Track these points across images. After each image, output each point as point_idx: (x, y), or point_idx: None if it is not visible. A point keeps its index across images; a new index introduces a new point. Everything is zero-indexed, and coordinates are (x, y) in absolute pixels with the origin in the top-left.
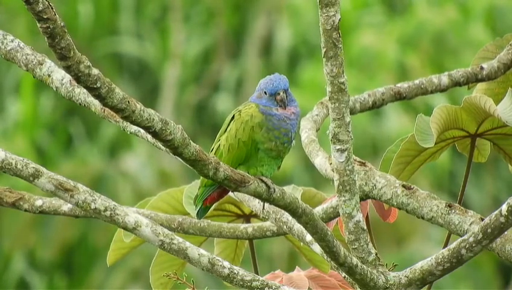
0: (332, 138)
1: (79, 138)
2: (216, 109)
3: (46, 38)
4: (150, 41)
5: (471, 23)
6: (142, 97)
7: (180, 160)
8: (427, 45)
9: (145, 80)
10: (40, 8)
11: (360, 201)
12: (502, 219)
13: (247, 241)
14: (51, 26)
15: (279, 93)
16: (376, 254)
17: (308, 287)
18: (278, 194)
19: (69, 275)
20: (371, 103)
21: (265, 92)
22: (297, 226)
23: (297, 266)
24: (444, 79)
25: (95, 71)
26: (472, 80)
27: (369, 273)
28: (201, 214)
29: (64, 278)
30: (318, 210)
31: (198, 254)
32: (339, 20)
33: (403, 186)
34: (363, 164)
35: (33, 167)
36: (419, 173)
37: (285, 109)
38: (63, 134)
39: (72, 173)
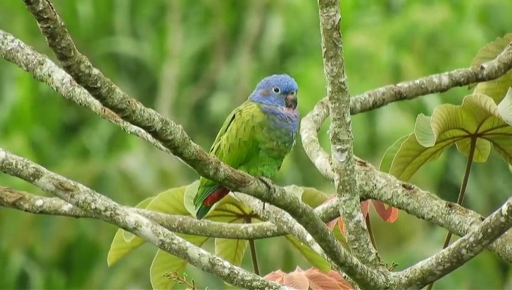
0: (332, 137)
1: (77, 128)
2: (212, 108)
3: (46, 38)
4: (147, 41)
5: (464, 23)
6: (139, 97)
7: (181, 160)
8: (421, 46)
9: (143, 79)
10: (40, 8)
11: (360, 201)
12: (502, 219)
13: (247, 241)
14: (51, 26)
15: (292, 93)
16: (376, 254)
17: (309, 287)
18: (278, 194)
19: (69, 274)
20: (371, 102)
21: (276, 90)
22: (298, 226)
23: (297, 266)
24: (445, 79)
25: (95, 71)
26: (472, 79)
27: (369, 273)
28: (201, 214)
29: (63, 277)
30: (318, 210)
31: (199, 254)
32: (339, 20)
33: (403, 186)
34: (363, 164)
35: (33, 167)
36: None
37: (294, 109)
38: (59, 125)
39: (71, 173)
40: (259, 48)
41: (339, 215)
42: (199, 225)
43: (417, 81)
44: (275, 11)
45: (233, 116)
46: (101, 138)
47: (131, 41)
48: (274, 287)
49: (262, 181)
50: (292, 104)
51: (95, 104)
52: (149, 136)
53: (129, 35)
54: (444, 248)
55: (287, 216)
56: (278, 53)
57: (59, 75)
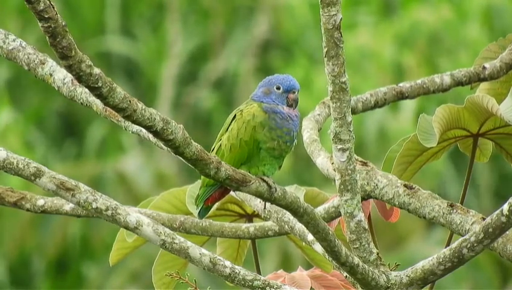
0: (333, 137)
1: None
2: (202, 106)
3: (47, 37)
4: (142, 40)
5: (467, 23)
6: (133, 96)
7: (182, 159)
8: (423, 45)
9: (136, 79)
10: (41, 8)
11: (362, 201)
12: (503, 219)
13: (249, 241)
14: (52, 26)
15: (294, 92)
16: (377, 254)
17: (311, 287)
18: (279, 194)
19: (67, 275)
20: (373, 102)
21: (278, 87)
22: (299, 226)
23: (299, 266)
24: (446, 79)
25: (96, 70)
26: (474, 79)
27: (370, 272)
28: (202, 213)
29: (62, 279)
30: (320, 210)
31: (200, 254)
32: (341, 19)
33: (405, 186)
34: (364, 164)
35: (34, 167)
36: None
37: (294, 109)
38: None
39: (68, 175)
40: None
41: (341, 215)
42: (201, 224)
43: (419, 81)
44: (262, 10)
45: (234, 116)
46: (95, 140)
47: (123, 40)
48: (275, 286)
49: (264, 181)
50: (293, 103)
51: (96, 103)
52: (150, 135)
53: (121, 34)
54: (446, 247)
55: (288, 216)
56: (264, 50)
57: (60, 75)
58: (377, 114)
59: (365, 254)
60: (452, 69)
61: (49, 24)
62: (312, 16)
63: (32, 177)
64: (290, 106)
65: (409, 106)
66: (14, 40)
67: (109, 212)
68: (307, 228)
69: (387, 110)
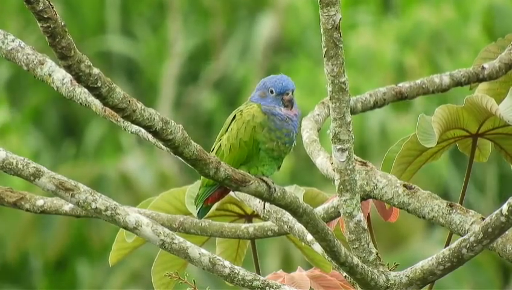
0: (333, 137)
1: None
2: (202, 106)
3: (46, 37)
4: (142, 39)
5: (468, 23)
6: (133, 96)
7: (181, 159)
8: (425, 45)
9: (136, 79)
10: (40, 8)
11: (361, 201)
12: (503, 219)
13: (249, 241)
14: (51, 26)
15: (288, 93)
16: (377, 254)
17: (310, 287)
18: (279, 194)
19: (65, 275)
20: (372, 102)
21: (271, 91)
22: (298, 226)
23: (299, 266)
24: (446, 79)
25: (95, 71)
26: (473, 79)
27: (369, 272)
28: (202, 213)
29: (60, 278)
30: (319, 210)
31: (199, 254)
32: (340, 19)
33: (404, 186)
34: (364, 164)
35: (34, 167)
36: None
37: (291, 109)
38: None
39: (69, 175)
40: (249, 46)
41: (340, 215)
42: (200, 224)
43: (418, 81)
44: (267, 10)
45: (234, 116)
46: (93, 140)
47: (124, 40)
48: (275, 286)
49: (263, 181)
50: (288, 104)
51: (96, 104)
52: (149, 136)
53: (121, 34)
54: (445, 247)
55: (287, 216)
56: (269, 50)
57: (59, 75)
58: (380, 114)
59: (364, 254)
60: (454, 68)
61: (48, 24)
62: (315, 15)
63: (32, 178)
64: (286, 106)
65: (415, 107)
66: (13, 41)
67: (108, 213)
68: (306, 228)
69: (390, 111)
